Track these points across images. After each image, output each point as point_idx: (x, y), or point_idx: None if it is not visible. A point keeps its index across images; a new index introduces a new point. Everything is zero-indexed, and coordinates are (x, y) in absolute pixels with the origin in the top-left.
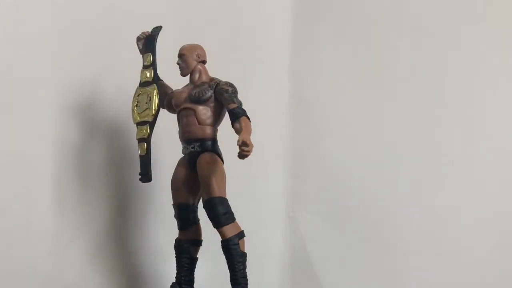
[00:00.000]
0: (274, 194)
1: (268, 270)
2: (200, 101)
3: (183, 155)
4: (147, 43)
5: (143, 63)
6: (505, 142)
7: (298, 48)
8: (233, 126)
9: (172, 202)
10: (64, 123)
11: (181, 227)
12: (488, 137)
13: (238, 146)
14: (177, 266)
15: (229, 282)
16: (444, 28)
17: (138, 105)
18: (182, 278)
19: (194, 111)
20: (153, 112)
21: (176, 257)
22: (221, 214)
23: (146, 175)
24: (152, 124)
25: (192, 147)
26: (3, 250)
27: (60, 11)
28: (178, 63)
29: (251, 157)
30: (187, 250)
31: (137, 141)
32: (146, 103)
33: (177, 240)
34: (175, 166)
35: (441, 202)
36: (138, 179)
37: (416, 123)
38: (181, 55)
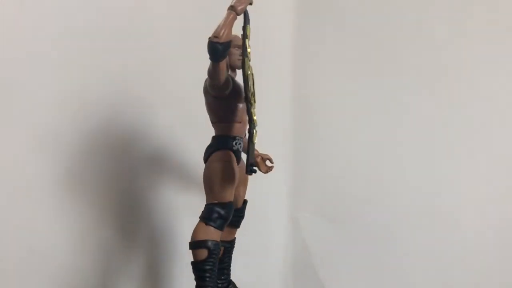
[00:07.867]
0: (276, 194)
1: (270, 270)
2: None
3: (232, 150)
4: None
5: (246, 34)
6: (507, 142)
7: (300, 48)
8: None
9: (217, 201)
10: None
11: (224, 226)
12: (489, 138)
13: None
14: (214, 274)
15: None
16: (446, 27)
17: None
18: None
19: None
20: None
21: (218, 263)
22: None
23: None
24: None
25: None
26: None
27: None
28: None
29: None
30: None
31: (255, 126)
32: (252, 85)
33: (218, 244)
34: None
35: (442, 202)
36: (248, 170)
37: (418, 124)
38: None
